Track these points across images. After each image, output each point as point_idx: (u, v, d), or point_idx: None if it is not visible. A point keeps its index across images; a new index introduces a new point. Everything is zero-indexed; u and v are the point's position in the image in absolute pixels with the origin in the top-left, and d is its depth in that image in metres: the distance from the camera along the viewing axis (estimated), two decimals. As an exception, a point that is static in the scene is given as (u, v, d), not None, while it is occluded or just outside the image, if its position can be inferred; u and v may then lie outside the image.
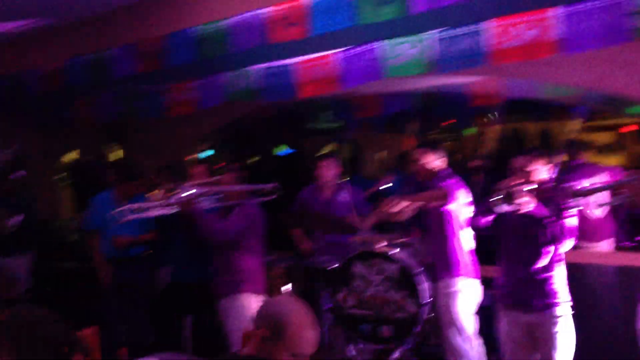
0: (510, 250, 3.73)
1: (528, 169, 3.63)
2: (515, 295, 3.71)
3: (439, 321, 4.54)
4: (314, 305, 2.40)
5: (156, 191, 4.37)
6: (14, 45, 5.93)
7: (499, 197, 3.41)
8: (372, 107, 7.51)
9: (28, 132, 7.43)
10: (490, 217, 3.70)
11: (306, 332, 2.20)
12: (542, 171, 3.69)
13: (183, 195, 4.15)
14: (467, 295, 4.42)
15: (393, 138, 12.50)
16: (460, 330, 4.40)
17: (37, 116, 6.32)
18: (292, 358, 2.17)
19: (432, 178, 4.49)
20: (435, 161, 4.53)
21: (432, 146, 4.61)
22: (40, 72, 5.64)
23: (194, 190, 4.23)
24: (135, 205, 4.40)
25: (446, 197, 4.28)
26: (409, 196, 4.42)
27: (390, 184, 7.29)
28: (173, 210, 4.23)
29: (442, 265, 4.46)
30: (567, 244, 3.55)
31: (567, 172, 5.96)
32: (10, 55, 6.00)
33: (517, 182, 3.49)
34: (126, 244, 5.21)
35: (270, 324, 2.20)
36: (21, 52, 5.92)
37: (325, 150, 13.31)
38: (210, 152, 9.56)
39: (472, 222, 3.83)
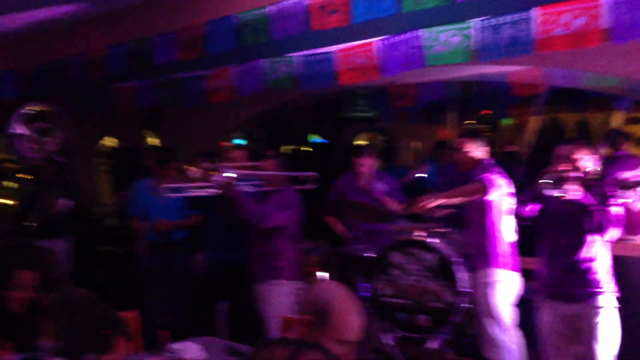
0: (553, 240, 3.68)
1: (573, 157, 3.58)
2: (557, 286, 3.66)
3: (477, 312, 4.52)
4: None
5: (194, 168, 4.35)
6: (56, 32, 6.02)
7: (548, 181, 3.37)
8: (408, 97, 7.44)
9: (69, 118, 7.55)
10: (535, 206, 3.66)
11: (351, 319, 2.18)
12: (586, 160, 3.64)
13: (222, 176, 4.13)
14: (505, 286, 4.38)
15: (427, 128, 12.43)
16: (498, 322, 4.37)
17: (78, 102, 6.40)
18: (337, 345, 2.16)
19: (475, 168, 4.46)
20: (477, 150, 4.50)
21: (474, 135, 4.57)
22: (82, 59, 5.72)
23: (234, 174, 4.23)
24: (174, 185, 4.42)
25: (485, 189, 4.22)
26: (445, 193, 4.40)
27: (424, 174, 7.26)
28: (211, 192, 4.23)
29: (481, 256, 4.42)
30: (613, 233, 3.49)
31: (610, 163, 5.87)
32: (52, 43, 6.09)
33: (564, 168, 3.45)
34: (167, 228, 5.29)
35: (315, 310, 2.17)
36: (63, 40, 6.01)
37: (360, 140, 13.28)
38: (243, 141, 9.61)
39: (516, 212, 3.78)
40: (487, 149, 4.57)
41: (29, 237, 6.01)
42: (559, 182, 3.36)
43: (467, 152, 4.49)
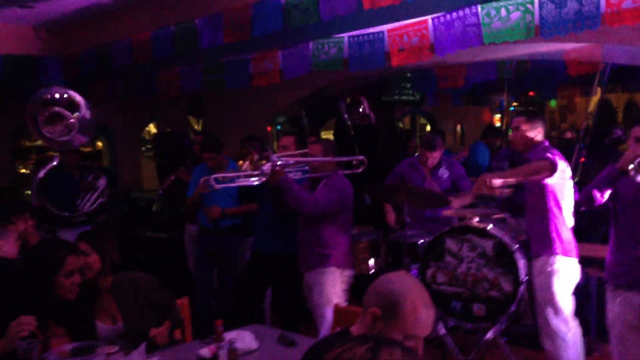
0: (627, 227, 3.50)
1: None
2: (630, 275, 3.49)
3: (535, 301, 4.34)
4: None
5: (242, 162, 4.34)
6: (101, 17, 6.00)
7: (635, 166, 3.16)
8: (456, 78, 7.24)
9: (114, 104, 7.59)
10: (608, 192, 3.46)
11: (423, 313, 2.06)
12: None
13: (271, 165, 4.10)
14: (566, 274, 4.19)
15: (471, 110, 12.19)
16: (557, 311, 4.19)
17: (124, 87, 6.39)
18: (406, 339, 2.04)
19: (532, 149, 4.26)
20: (534, 131, 4.29)
21: (531, 115, 4.37)
22: (128, 43, 5.67)
23: (282, 162, 4.19)
24: (221, 175, 4.38)
25: (553, 167, 3.97)
26: (509, 171, 4.20)
27: (463, 159, 7.08)
28: (260, 180, 4.19)
29: (540, 242, 4.23)
30: None
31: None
32: (98, 28, 6.07)
33: None
34: (219, 215, 5.24)
35: (384, 303, 2.07)
36: (109, 24, 5.98)
37: (404, 123, 13.11)
38: (282, 125, 9.55)
39: (587, 198, 3.57)
40: (543, 130, 4.35)
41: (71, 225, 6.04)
42: None
43: (523, 130, 4.29)
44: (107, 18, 5.97)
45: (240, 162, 4.74)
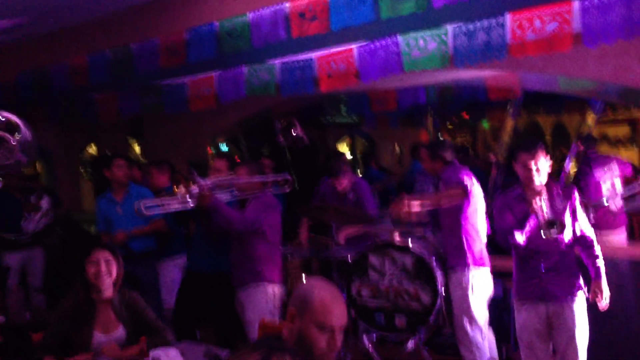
0: (530, 240, 3.68)
1: (534, 164, 3.57)
2: (535, 287, 3.70)
3: (453, 311, 4.59)
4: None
5: (179, 188, 4.36)
6: (39, 41, 6.03)
7: (551, 229, 3.45)
8: (388, 101, 7.56)
9: (52, 127, 7.56)
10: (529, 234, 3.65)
11: (329, 303, 2.26)
12: (546, 165, 3.62)
13: (198, 188, 4.16)
14: (479, 285, 4.46)
15: (409, 132, 12.58)
16: (472, 320, 4.44)
17: (62, 111, 6.40)
18: (320, 331, 2.23)
19: (442, 170, 4.58)
20: (434, 161, 4.61)
21: (433, 151, 4.67)
22: (65, 67, 5.72)
23: (209, 183, 4.26)
24: (152, 202, 4.39)
25: (465, 193, 4.34)
26: (427, 197, 4.49)
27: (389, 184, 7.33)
28: (190, 205, 4.20)
29: (454, 256, 4.50)
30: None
31: (582, 163, 6.05)
32: (36, 51, 6.10)
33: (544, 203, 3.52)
34: (124, 239, 5.22)
35: (297, 302, 2.30)
36: (47, 48, 6.03)
37: (342, 144, 13.38)
38: (225, 148, 9.67)
39: (506, 237, 3.69)
40: (447, 154, 4.61)
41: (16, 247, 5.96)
42: (563, 225, 3.46)
43: (426, 161, 4.70)
44: (45, 42, 6.01)
45: (178, 187, 4.73)
